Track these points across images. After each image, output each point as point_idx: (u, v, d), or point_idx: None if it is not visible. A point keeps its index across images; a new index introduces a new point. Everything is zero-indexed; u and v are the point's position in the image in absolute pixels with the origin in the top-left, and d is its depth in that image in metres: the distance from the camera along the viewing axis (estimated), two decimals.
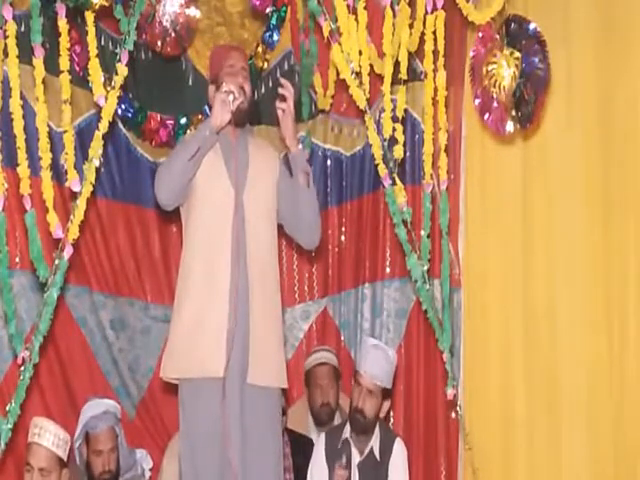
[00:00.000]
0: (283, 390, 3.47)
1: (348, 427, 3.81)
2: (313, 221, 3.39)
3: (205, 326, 3.20)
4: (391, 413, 4.66)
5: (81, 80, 4.02)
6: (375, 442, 3.77)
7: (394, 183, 3.44)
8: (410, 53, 3.51)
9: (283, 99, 3.24)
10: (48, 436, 3.50)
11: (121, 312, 4.68)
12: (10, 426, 3.07)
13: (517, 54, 3.31)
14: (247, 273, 3.20)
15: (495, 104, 3.35)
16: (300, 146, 3.33)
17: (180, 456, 3.30)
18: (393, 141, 3.39)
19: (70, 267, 3.15)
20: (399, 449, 3.80)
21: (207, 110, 4.45)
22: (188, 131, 4.76)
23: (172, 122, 4.80)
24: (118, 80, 3.15)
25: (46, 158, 3.05)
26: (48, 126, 3.11)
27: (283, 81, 3.25)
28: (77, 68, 4.14)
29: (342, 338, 4.93)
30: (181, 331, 3.26)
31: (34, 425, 3.52)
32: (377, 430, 3.79)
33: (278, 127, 4.87)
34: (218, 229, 3.24)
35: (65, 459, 3.55)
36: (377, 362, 3.73)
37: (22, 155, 3.04)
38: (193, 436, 3.22)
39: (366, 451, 3.76)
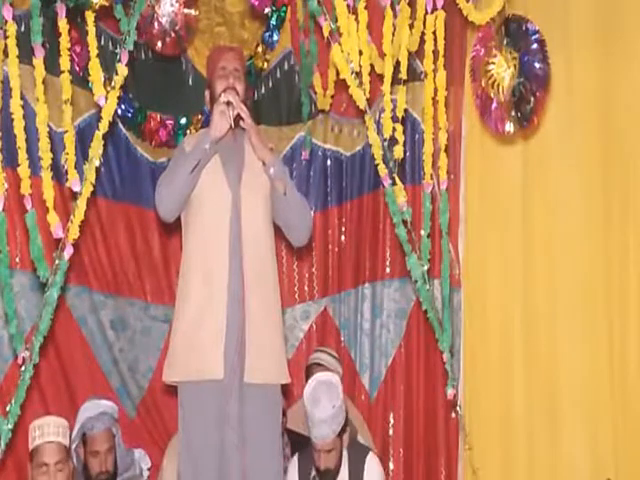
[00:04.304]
0: (284, 390, 3.47)
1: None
2: (297, 224, 3.40)
3: (203, 328, 3.21)
4: (391, 414, 4.67)
5: (81, 80, 4.02)
6: (344, 473, 3.72)
7: (394, 183, 3.43)
8: (410, 53, 3.50)
9: (241, 118, 3.25)
10: (53, 429, 3.51)
11: (121, 312, 4.68)
12: (10, 426, 3.06)
13: (516, 54, 3.30)
14: (245, 273, 3.21)
15: (495, 104, 3.35)
16: (272, 155, 3.32)
17: (179, 459, 3.30)
18: (393, 141, 3.39)
19: (70, 267, 3.14)
20: (372, 467, 3.77)
21: (207, 110, 4.46)
22: (188, 131, 4.76)
23: (172, 122, 4.80)
24: (118, 80, 3.14)
25: (46, 158, 3.04)
26: (48, 126, 3.10)
27: (230, 98, 3.25)
28: (77, 68, 4.15)
29: (342, 338, 4.93)
30: (181, 334, 3.27)
31: (35, 428, 3.51)
32: (345, 459, 3.73)
33: (277, 127, 5.00)
34: (216, 230, 3.25)
35: (68, 447, 3.59)
36: (324, 421, 3.56)
37: (22, 155, 3.03)
38: (192, 438, 3.23)
39: None
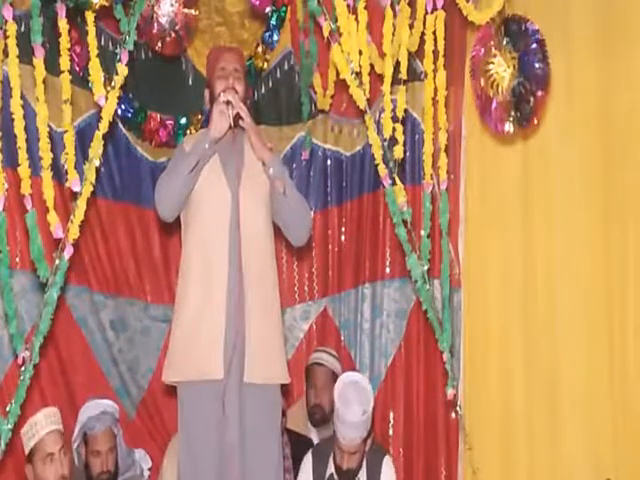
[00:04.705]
0: (284, 390, 3.47)
1: (332, 463, 3.77)
2: (296, 224, 3.40)
3: (203, 328, 3.21)
4: (391, 414, 4.67)
5: (81, 80, 4.03)
6: (362, 474, 3.75)
7: (394, 183, 3.43)
8: (410, 53, 3.50)
9: (240, 118, 3.26)
10: (48, 419, 3.53)
11: (121, 312, 4.68)
12: (10, 426, 3.06)
13: (516, 54, 3.30)
14: (244, 273, 3.21)
15: (494, 104, 3.35)
16: (271, 155, 3.32)
17: (179, 458, 3.30)
18: (393, 141, 3.38)
19: (70, 267, 3.14)
20: (388, 469, 3.80)
21: (206, 110, 4.46)
22: (188, 131, 4.76)
23: (172, 122, 4.80)
24: (118, 80, 3.14)
25: (46, 158, 3.04)
26: (48, 126, 3.11)
27: (230, 97, 3.26)
28: (77, 68, 4.15)
29: (342, 338, 4.93)
30: (180, 334, 3.27)
31: (27, 430, 3.52)
32: (364, 461, 3.76)
33: (277, 127, 5.00)
34: (215, 229, 3.25)
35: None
36: (354, 425, 3.58)
37: (23, 155, 3.03)
38: (192, 438, 3.23)
39: None
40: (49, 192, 3.05)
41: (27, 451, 3.54)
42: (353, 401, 3.57)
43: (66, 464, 3.54)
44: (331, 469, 3.73)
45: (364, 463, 3.74)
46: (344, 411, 3.57)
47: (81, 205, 3.09)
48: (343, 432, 3.60)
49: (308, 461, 3.81)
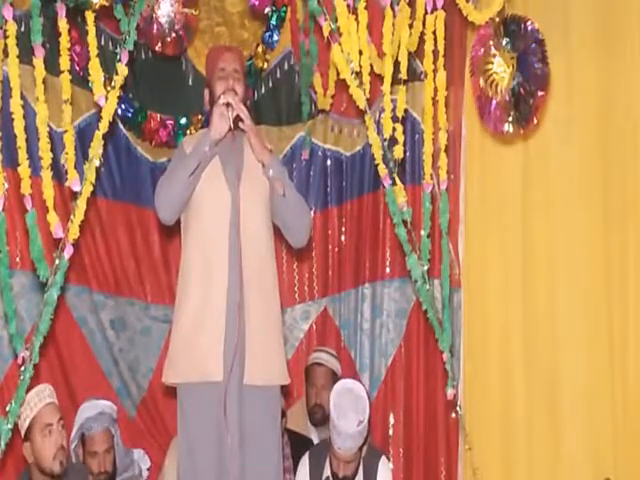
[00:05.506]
0: (284, 391, 3.47)
1: (328, 466, 3.77)
2: (296, 225, 3.39)
3: (203, 330, 3.20)
4: (391, 414, 4.67)
5: (81, 80, 4.03)
6: (359, 477, 3.74)
7: (394, 183, 3.43)
8: (410, 53, 3.50)
9: (240, 120, 3.25)
10: (43, 394, 3.53)
11: (121, 312, 4.69)
12: (10, 426, 3.06)
13: (515, 54, 3.30)
14: (244, 274, 3.20)
15: (494, 104, 3.35)
16: (271, 156, 3.32)
17: (178, 459, 3.30)
18: (393, 141, 3.38)
19: (70, 267, 3.14)
20: (384, 471, 3.79)
21: (206, 110, 4.46)
22: (188, 131, 4.76)
23: (172, 122, 4.80)
24: (118, 80, 3.14)
25: (46, 158, 3.03)
26: (48, 126, 3.10)
27: (230, 99, 3.25)
28: (77, 68, 4.15)
29: (342, 338, 4.93)
30: (180, 335, 3.27)
31: (27, 403, 3.45)
32: (360, 465, 3.75)
33: (277, 127, 5.00)
34: (215, 231, 3.24)
35: None
36: (350, 435, 3.57)
37: (23, 155, 3.03)
38: (192, 439, 3.22)
39: None
40: (49, 192, 3.05)
41: (24, 430, 3.50)
42: (348, 411, 3.56)
43: (65, 436, 3.53)
44: (327, 472, 3.73)
45: (360, 469, 3.74)
46: (339, 422, 3.56)
47: (81, 205, 3.09)
48: (339, 442, 3.60)
49: (305, 463, 3.81)
